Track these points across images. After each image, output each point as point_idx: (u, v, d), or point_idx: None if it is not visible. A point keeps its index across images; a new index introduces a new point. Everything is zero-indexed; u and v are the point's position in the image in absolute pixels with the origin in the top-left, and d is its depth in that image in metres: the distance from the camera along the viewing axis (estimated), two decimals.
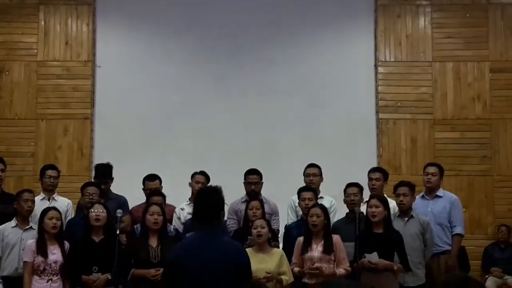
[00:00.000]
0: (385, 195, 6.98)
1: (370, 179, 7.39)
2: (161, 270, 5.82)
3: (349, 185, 7.19)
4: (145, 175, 7.62)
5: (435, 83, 9.94)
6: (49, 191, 7.37)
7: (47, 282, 6.18)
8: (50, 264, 6.19)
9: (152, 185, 7.47)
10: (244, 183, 7.44)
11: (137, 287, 6.09)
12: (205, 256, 4.23)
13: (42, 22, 9.98)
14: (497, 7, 10.05)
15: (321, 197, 7.32)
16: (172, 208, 7.34)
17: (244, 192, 7.45)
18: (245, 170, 7.54)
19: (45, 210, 6.45)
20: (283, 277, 6.00)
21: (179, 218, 7.36)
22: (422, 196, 7.46)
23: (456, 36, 10.03)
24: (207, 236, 4.35)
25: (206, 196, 4.50)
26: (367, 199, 6.70)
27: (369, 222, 6.41)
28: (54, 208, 6.54)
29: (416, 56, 10.01)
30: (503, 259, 9.06)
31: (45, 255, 6.20)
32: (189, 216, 6.87)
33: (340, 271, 6.10)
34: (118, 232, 6.23)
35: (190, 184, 7.54)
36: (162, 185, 7.60)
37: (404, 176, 8.71)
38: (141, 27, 10.08)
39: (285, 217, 7.57)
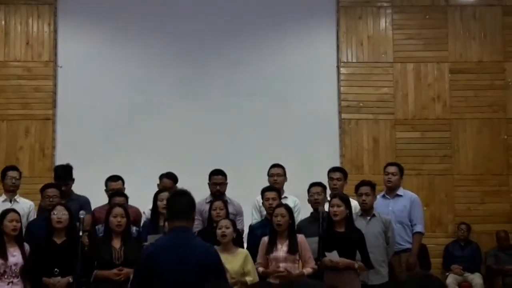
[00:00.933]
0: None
1: (331, 178, 7.38)
2: (124, 270, 5.83)
3: (313, 184, 7.19)
4: (109, 175, 7.56)
5: (396, 84, 10.00)
6: (11, 192, 7.25)
7: (8, 284, 6.10)
8: (10, 266, 6.11)
9: (114, 185, 7.41)
10: (209, 183, 7.40)
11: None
12: (177, 257, 4.23)
13: (3, 22, 9.85)
14: (456, 9, 10.14)
15: (285, 197, 7.32)
16: (136, 210, 7.25)
17: (209, 193, 7.40)
18: (210, 171, 7.49)
19: (4, 212, 6.35)
20: (247, 278, 5.99)
21: (147, 218, 7.32)
22: (383, 196, 7.49)
23: (416, 37, 10.10)
24: (180, 238, 4.36)
25: (179, 197, 4.52)
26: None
27: (331, 221, 6.42)
28: (14, 210, 6.44)
29: (377, 57, 10.06)
30: (463, 257, 9.14)
31: (5, 257, 6.10)
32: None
33: (308, 270, 6.11)
34: (80, 233, 6.21)
35: (158, 186, 7.52)
36: (126, 186, 7.54)
37: (366, 175, 8.75)
38: (103, 27, 10.00)
39: (249, 217, 7.53)
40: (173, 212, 4.47)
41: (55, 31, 9.87)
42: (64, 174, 7.41)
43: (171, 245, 4.35)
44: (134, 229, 6.74)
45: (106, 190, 7.42)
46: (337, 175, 7.43)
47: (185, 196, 4.51)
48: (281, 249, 6.21)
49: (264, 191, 7.10)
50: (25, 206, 7.17)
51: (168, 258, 4.25)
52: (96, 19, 10.00)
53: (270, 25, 10.01)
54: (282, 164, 7.60)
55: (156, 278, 4.22)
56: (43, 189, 7.03)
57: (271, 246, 6.26)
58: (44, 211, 6.86)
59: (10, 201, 7.12)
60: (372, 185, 6.99)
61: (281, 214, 6.27)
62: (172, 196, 4.68)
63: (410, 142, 9.85)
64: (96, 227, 6.86)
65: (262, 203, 7.09)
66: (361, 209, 6.92)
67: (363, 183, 7.04)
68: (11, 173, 7.31)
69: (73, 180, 7.45)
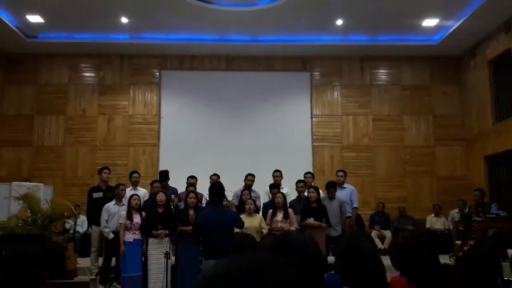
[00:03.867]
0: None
1: (305, 177, 7.40)
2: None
3: (299, 181, 7.20)
4: (188, 176, 7.56)
5: (343, 127, 9.99)
6: (135, 185, 7.32)
7: (132, 234, 6.16)
8: (134, 224, 6.17)
9: (191, 181, 7.43)
10: (244, 180, 7.39)
11: (181, 237, 6.04)
12: (216, 218, 4.29)
13: (132, 94, 9.98)
14: (375, 87, 10.18)
15: (282, 187, 7.30)
16: (201, 194, 7.22)
17: (243, 185, 7.38)
18: (243, 173, 7.49)
19: (131, 195, 6.44)
20: (262, 230, 5.99)
21: (206, 199, 7.32)
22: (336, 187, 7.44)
23: (354, 102, 10.10)
24: (216, 208, 4.42)
25: (216, 187, 4.60)
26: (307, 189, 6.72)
27: (309, 201, 6.41)
28: (136, 194, 6.54)
29: (333, 112, 10.06)
30: (380, 221, 9.06)
31: (131, 219, 6.18)
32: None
33: (293, 228, 6.10)
34: (172, 207, 6.24)
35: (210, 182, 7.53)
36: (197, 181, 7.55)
37: (327, 177, 8.69)
38: (185, 95, 10.03)
39: (262, 199, 7.52)
40: (214, 195, 4.53)
41: (159, 98, 9.98)
42: (164, 175, 7.47)
43: (212, 213, 4.42)
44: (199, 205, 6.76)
45: (187, 183, 7.42)
46: (309, 175, 7.53)
47: (220, 186, 4.58)
48: (279, 216, 6.21)
49: (270, 186, 7.19)
50: (142, 192, 7.24)
51: (212, 219, 4.31)
52: (180, 92, 10.04)
53: (274, 96, 10.00)
54: (280, 170, 7.60)
55: (206, 230, 4.27)
56: (152, 183, 7.12)
57: (274, 214, 6.26)
58: (152, 195, 6.91)
59: (134, 189, 7.18)
60: (335, 186, 6.97)
61: (280, 197, 6.29)
62: (213, 186, 4.76)
63: (351, 158, 9.82)
64: (179, 203, 6.88)
65: (270, 191, 7.16)
66: (327, 195, 6.89)
67: (329, 185, 6.95)
68: (135, 175, 7.41)
69: (168, 178, 7.49)
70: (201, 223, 4.53)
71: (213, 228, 4.38)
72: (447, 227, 8.88)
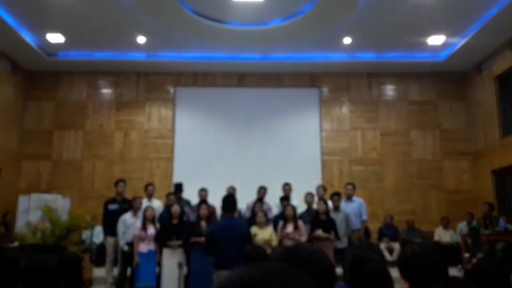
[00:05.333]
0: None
1: (318, 190, 7.40)
2: None
3: (308, 193, 7.18)
4: (199, 188, 7.59)
5: (352, 141, 9.95)
6: (149, 197, 7.35)
7: (147, 245, 6.16)
8: (149, 235, 6.19)
9: (202, 193, 7.46)
10: (257, 192, 7.40)
11: (194, 248, 6.02)
12: (228, 229, 4.25)
13: (147, 110, 10.06)
14: (383, 102, 10.14)
15: (292, 200, 7.28)
16: (212, 206, 7.22)
17: (255, 197, 7.37)
18: (255, 186, 7.49)
19: (146, 206, 6.47)
20: (272, 242, 5.97)
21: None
22: (345, 200, 7.40)
23: (362, 116, 10.07)
24: (229, 219, 4.38)
25: (229, 198, 4.56)
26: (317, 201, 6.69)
27: (318, 213, 6.37)
28: (151, 206, 6.57)
29: (341, 127, 10.03)
30: (389, 234, 8.94)
31: (145, 230, 6.20)
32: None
33: (303, 239, 6.06)
34: (185, 219, 6.24)
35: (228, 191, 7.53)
36: (208, 193, 7.57)
37: (336, 189, 8.62)
38: (198, 111, 10.08)
39: (274, 211, 7.52)
40: (226, 206, 4.49)
41: (174, 114, 10.04)
42: (178, 187, 7.51)
43: (224, 224, 4.39)
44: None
45: (199, 196, 7.44)
46: (321, 188, 7.53)
47: (232, 198, 4.55)
48: (289, 228, 6.18)
49: (281, 199, 7.15)
50: (157, 204, 7.27)
51: (223, 231, 4.27)
52: (193, 108, 10.10)
53: (284, 111, 10.01)
54: (290, 182, 7.57)
55: (217, 242, 4.23)
56: (167, 195, 7.17)
57: (284, 226, 6.23)
58: (167, 206, 6.93)
59: (149, 201, 7.21)
60: (339, 194, 6.98)
61: (290, 210, 6.26)
62: (226, 197, 4.71)
63: (359, 172, 9.76)
64: (191, 214, 6.87)
65: (281, 204, 7.12)
66: (333, 207, 6.86)
67: (334, 193, 7.01)
68: (150, 187, 7.45)
69: (182, 190, 7.52)
70: (212, 235, 4.48)
71: (225, 239, 4.33)
72: (455, 240, 8.76)
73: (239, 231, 4.44)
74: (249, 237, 4.74)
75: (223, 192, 7.60)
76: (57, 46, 9.01)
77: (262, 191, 7.37)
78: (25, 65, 9.65)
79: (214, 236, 4.42)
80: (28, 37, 8.59)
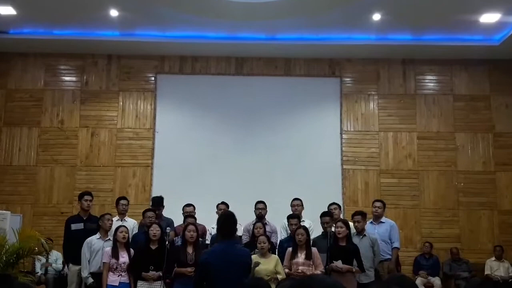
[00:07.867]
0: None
1: (330, 209, 7.33)
2: (194, 268, 5.75)
3: (324, 213, 7.06)
4: (184, 204, 7.60)
5: (381, 146, 9.94)
6: (122, 214, 7.37)
7: (118, 276, 6.18)
8: (121, 264, 6.19)
9: (188, 209, 7.47)
10: (254, 210, 7.38)
11: (177, 280, 5.99)
12: (225, 258, 4.21)
13: (121, 103, 10.06)
14: (421, 96, 10.12)
15: (303, 220, 7.25)
16: (202, 227, 7.25)
17: (254, 216, 7.36)
18: (255, 201, 7.48)
19: (117, 227, 6.50)
20: (278, 275, 5.93)
21: (211, 234, 7.41)
22: (371, 222, 7.39)
23: (394, 115, 10.07)
24: (226, 245, 4.34)
25: (226, 218, 4.51)
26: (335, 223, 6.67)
27: (336, 238, 6.36)
28: (124, 226, 6.58)
29: (367, 127, 10.03)
30: (427, 265, 8.94)
31: (117, 258, 6.19)
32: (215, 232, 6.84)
33: (318, 272, 6.01)
34: (167, 243, 6.23)
35: (217, 212, 7.50)
36: (196, 210, 7.58)
37: (360, 207, 8.65)
38: (185, 106, 10.07)
39: (279, 234, 7.50)
40: (224, 229, 4.46)
41: (155, 108, 10.03)
42: (158, 202, 7.53)
43: (221, 251, 4.35)
44: (201, 240, 6.73)
45: (183, 213, 7.44)
46: (334, 206, 7.47)
47: (232, 218, 4.50)
48: (300, 257, 6.14)
49: (289, 217, 7.12)
50: (131, 223, 7.29)
51: (219, 260, 4.24)
52: (179, 101, 10.09)
53: (295, 107, 10.00)
54: (301, 198, 7.56)
55: (211, 272, 4.21)
56: (144, 212, 7.18)
57: (294, 254, 6.19)
58: (143, 227, 6.96)
59: (121, 220, 7.22)
60: (363, 214, 6.98)
61: (301, 234, 6.23)
62: (223, 216, 4.67)
63: (390, 185, 9.75)
64: (175, 238, 6.87)
65: (288, 225, 7.09)
66: (355, 230, 6.84)
67: (356, 212, 7.03)
68: (122, 201, 7.48)
69: (163, 206, 7.53)
70: (205, 263, 4.43)
71: (222, 271, 4.29)
72: (511, 273, 8.73)
73: (239, 261, 4.38)
74: (249, 269, 4.72)
75: (215, 208, 7.65)
76: (7, 20, 9.01)
77: (259, 206, 7.34)
78: None
79: (208, 265, 4.38)
80: None
